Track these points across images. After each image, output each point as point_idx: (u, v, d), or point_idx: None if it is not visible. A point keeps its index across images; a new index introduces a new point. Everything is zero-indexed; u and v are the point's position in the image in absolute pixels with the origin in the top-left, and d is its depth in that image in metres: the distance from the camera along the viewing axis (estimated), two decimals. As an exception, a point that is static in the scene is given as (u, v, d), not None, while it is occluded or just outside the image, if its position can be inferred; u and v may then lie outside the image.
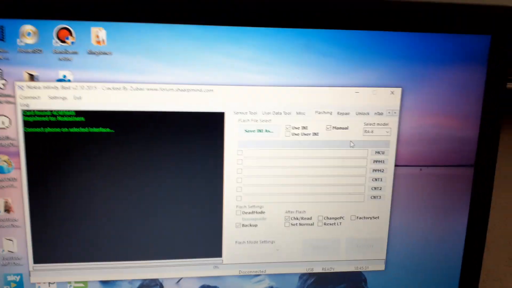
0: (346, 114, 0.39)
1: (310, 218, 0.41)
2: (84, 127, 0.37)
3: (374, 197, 0.42)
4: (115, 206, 0.39)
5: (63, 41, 0.35)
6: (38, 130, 0.36)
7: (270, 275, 0.43)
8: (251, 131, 0.39)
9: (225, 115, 0.38)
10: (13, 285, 0.40)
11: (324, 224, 0.42)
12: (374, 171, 0.41)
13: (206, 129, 0.38)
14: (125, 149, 0.37)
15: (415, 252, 0.43)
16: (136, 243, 0.40)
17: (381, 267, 0.44)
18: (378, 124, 0.40)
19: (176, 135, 0.38)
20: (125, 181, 0.38)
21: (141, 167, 0.38)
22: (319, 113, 0.39)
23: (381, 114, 0.40)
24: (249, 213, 0.41)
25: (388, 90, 0.39)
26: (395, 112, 0.40)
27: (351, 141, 0.40)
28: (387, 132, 0.40)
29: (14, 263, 0.39)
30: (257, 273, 0.42)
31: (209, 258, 0.41)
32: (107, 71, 0.36)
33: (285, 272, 0.43)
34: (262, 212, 0.41)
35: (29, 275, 0.39)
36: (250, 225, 0.41)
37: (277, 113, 0.39)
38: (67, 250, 0.39)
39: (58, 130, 0.36)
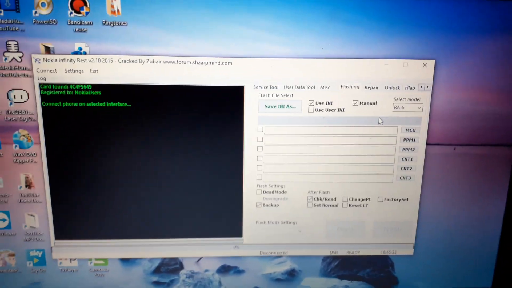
0: (375, 88, 0.37)
1: (335, 199, 0.40)
2: (101, 101, 0.36)
3: (404, 177, 0.39)
4: (134, 183, 0.38)
5: (78, 12, 0.34)
6: (56, 104, 0.36)
7: (292, 257, 0.42)
8: (272, 106, 0.37)
9: (244, 89, 0.36)
10: (35, 260, 0.40)
11: (349, 205, 0.40)
12: (404, 150, 0.39)
13: (225, 104, 0.37)
14: (142, 125, 0.37)
15: (446, 237, 0.41)
16: (156, 221, 0.39)
17: (410, 251, 0.42)
18: (409, 99, 0.37)
19: (194, 111, 0.37)
20: (142, 158, 0.38)
21: (159, 144, 0.37)
22: (345, 87, 0.37)
23: (412, 88, 0.37)
24: (270, 192, 0.39)
25: (420, 62, 0.36)
26: (427, 86, 0.37)
27: (379, 117, 0.38)
28: (418, 108, 0.38)
29: (36, 239, 0.40)
30: (279, 255, 0.41)
31: (230, 237, 0.40)
32: (123, 43, 0.35)
33: (307, 254, 0.42)
34: (283, 192, 0.39)
35: (51, 251, 0.40)
36: (271, 205, 0.40)
37: (299, 87, 0.37)
38: (88, 226, 0.39)
39: (75, 104, 0.36)
